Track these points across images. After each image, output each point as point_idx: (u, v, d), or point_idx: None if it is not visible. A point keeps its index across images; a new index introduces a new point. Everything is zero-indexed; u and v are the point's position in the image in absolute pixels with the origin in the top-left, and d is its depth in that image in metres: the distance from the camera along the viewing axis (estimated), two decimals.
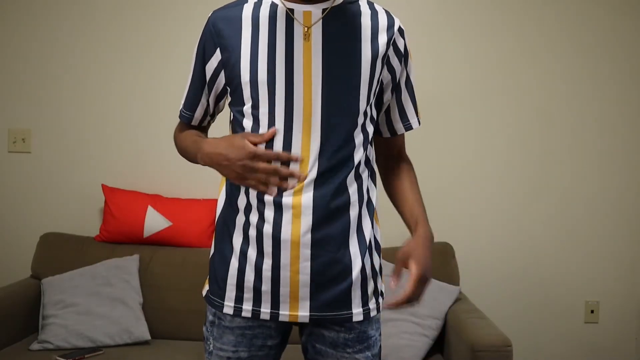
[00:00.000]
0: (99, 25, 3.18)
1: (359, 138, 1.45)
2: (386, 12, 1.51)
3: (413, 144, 3.15)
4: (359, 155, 1.45)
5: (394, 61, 1.50)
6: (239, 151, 1.40)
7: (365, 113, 1.46)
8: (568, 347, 3.21)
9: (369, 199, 1.50)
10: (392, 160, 1.62)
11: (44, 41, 3.19)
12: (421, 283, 1.40)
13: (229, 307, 1.45)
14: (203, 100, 1.55)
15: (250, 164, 1.39)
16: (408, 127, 1.58)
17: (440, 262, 2.94)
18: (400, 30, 1.50)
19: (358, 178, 1.46)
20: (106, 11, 3.18)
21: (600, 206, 3.20)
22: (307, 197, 1.39)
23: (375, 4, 1.52)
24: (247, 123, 1.44)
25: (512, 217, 3.20)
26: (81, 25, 3.18)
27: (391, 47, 1.49)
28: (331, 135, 1.41)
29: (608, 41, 3.16)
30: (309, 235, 1.40)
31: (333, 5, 1.44)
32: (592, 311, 3.21)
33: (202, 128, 1.63)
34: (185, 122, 1.61)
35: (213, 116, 1.62)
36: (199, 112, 1.58)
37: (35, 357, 2.52)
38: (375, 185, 1.54)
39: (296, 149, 1.40)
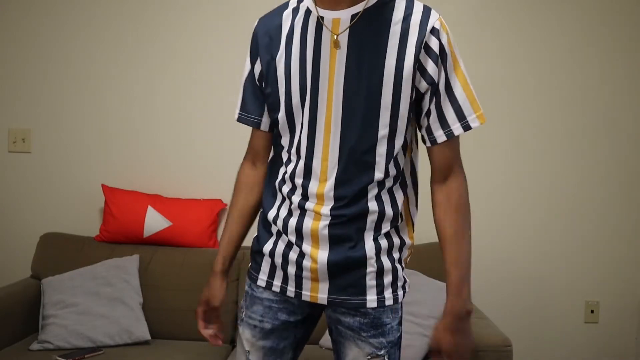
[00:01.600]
0: (99, 25, 3.18)
1: (380, 152, 1.47)
2: (424, 9, 1.46)
3: None
4: (380, 168, 1.48)
5: (429, 65, 1.44)
6: (202, 298, 1.71)
7: (387, 125, 1.46)
8: (568, 347, 3.22)
9: (393, 201, 1.53)
10: (437, 174, 1.54)
11: (44, 41, 3.19)
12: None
13: (262, 280, 1.62)
14: (263, 103, 1.61)
15: (200, 307, 1.71)
16: (450, 135, 1.49)
17: (441, 262, 2.91)
18: (434, 31, 1.43)
19: (381, 188, 1.51)
20: (106, 11, 3.18)
21: (600, 206, 3.20)
22: (326, 207, 1.50)
23: (415, 1, 1.48)
24: (279, 126, 1.55)
25: (512, 217, 3.20)
26: (81, 26, 3.18)
27: (422, 51, 1.43)
28: (350, 145, 1.47)
29: (619, 41, 3.16)
30: (326, 232, 1.50)
31: (365, 7, 1.44)
32: (592, 311, 3.21)
33: (270, 136, 1.65)
34: (257, 127, 1.64)
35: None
36: (266, 116, 1.62)
37: (35, 357, 2.52)
38: (406, 194, 1.57)
39: (317, 158, 1.50)
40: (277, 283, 1.59)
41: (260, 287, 1.62)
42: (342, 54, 1.44)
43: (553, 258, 3.21)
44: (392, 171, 1.51)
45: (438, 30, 1.44)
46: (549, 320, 3.21)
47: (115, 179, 3.17)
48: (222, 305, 1.70)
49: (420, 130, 1.55)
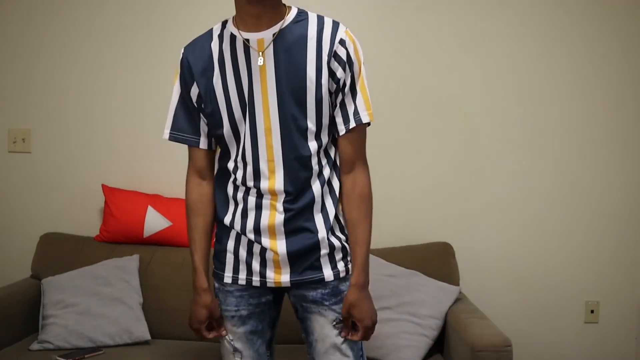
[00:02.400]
0: (100, 25, 3.18)
1: (313, 146, 1.70)
2: (332, 24, 1.69)
3: (413, 144, 3.16)
4: (315, 160, 1.71)
5: (338, 70, 1.68)
6: (189, 322, 1.84)
7: (314, 123, 1.69)
8: (568, 347, 3.22)
9: (331, 189, 1.77)
10: (344, 165, 1.76)
11: (44, 41, 3.19)
12: (368, 330, 1.75)
13: (228, 277, 1.80)
14: (202, 124, 1.78)
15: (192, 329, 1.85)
16: (347, 128, 1.72)
17: (440, 262, 2.94)
18: (342, 41, 1.67)
19: (320, 176, 1.73)
20: (107, 11, 3.18)
21: (600, 206, 3.20)
22: (280, 201, 1.71)
23: (325, 17, 1.71)
24: (224, 140, 1.73)
25: (512, 217, 3.20)
26: (82, 26, 3.18)
27: (332, 59, 1.67)
28: (289, 146, 1.69)
29: (612, 42, 3.16)
30: (282, 227, 1.72)
31: (282, 27, 1.67)
32: (592, 311, 3.21)
33: (211, 153, 1.82)
34: (195, 146, 1.80)
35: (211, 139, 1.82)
36: (203, 135, 1.79)
37: (35, 357, 2.52)
38: (338, 176, 1.78)
39: (263, 161, 1.70)
40: (242, 277, 1.78)
41: (227, 283, 1.80)
42: (270, 68, 1.66)
43: (553, 258, 3.21)
44: (325, 162, 1.74)
45: (345, 40, 1.69)
46: (549, 321, 3.21)
47: (115, 179, 3.17)
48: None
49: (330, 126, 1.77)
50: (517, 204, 3.19)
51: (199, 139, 1.79)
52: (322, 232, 1.74)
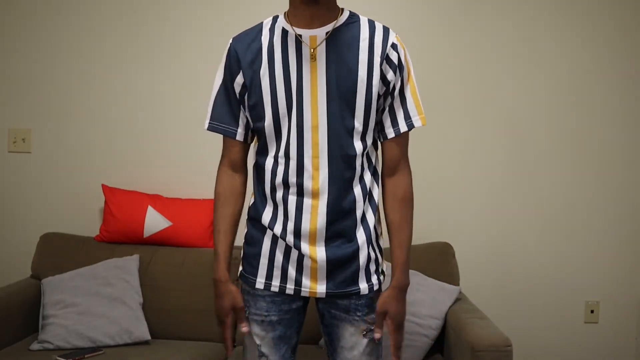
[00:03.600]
0: (100, 25, 3.18)
1: (359, 147, 1.70)
2: (383, 29, 1.72)
3: (413, 144, 3.16)
4: (359, 162, 1.71)
5: (389, 74, 1.70)
6: (216, 314, 1.82)
7: (361, 124, 1.70)
8: (568, 347, 3.22)
9: (371, 196, 1.77)
10: (387, 168, 1.78)
11: (44, 41, 3.19)
12: (398, 330, 1.76)
13: (260, 282, 1.77)
14: (242, 116, 1.78)
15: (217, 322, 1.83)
16: (397, 131, 1.74)
17: (440, 262, 2.94)
18: (394, 46, 1.70)
19: (361, 180, 1.73)
20: (107, 11, 3.18)
21: (600, 206, 3.20)
22: (322, 200, 1.69)
23: (375, 22, 1.73)
24: (265, 134, 1.72)
25: (512, 217, 3.20)
26: (82, 26, 3.18)
27: (384, 62, 1.69)
28: (335, 145, 1.68)
29: (612, 39, 3.17)
30: (324, 230, 1.70)
31: (335, 27, 1.68)
32: (592, 311, 3.21)
33: (246, 146, 1.82)
34: (232, 137, 1.79)
35: (253, 132, 1.80)
36: (241, 127, 1.79)
37: (35, 357, 2.52)
38: (378, 184, 1.79)
39: (308, 157, 1.68)
40: (275, 283, 1.75)
41: (259, 288, 1.77)
42: (321, 65, 1.67)
43: (553, 258, 3.21)
44: (366, 166, 1.75)
45: (397, 45, 1.72)
46: (549, 320, 3.21)
47: (115, 179, 3.17)
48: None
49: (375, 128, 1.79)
50: (517, 205, 3.19)
51: (237, 130, 1.78)
52: (361, 240, 1.73)
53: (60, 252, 2.95)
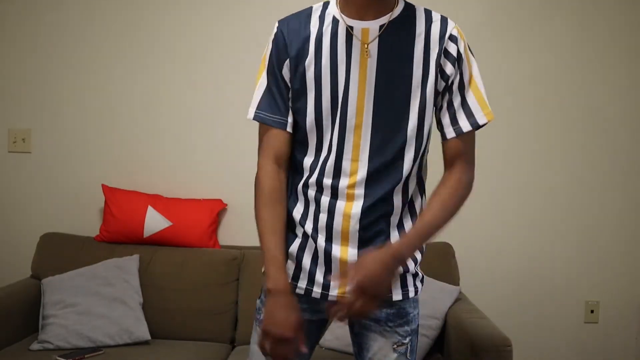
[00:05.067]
0: (99, 25, 3.18)
1: (409, 153, 1.57)
2: (441, 19, 1.58)
3: None
4: (407, 168, 1.57)
5: (447, 68, 1.56)
6: (276, 331, 1.53)
7: (414, 129, 1.56)
8: (568, 347, 3.22)
9: (412, 205, 1.63)
10: (447, 166, 1.64)
11: (44, 41, 3.19)
12: (361, 295, 1.50)
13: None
14: (290, 105, 1.61)
15: (274, 347, 1.55)
16: (458, 131, 1.58)
17: (440, 262, 2.94)
18: (452, 37, 1.55)
19: (405, 188, 1.59)
20: (106, 11, 3.18)
21: (600, 206, 3.20)
22: (357, 205, 1.56)
23: (432, 12, 1.59)
24: (305, 129, 1.59)
25: (512, 217, 3.20)
26: (82, 26, 3.18)
27: (442, 56, 1.55)
28: (379, 149, 1.55)
29: (614, 40, 3.17)
30: (357, 234, 1.56)
31: (390, 19, 1.54)
32: (592, 311, 3.21)
33: (291, 138, 1.64)
34: (282, 128, 1.60)
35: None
36: (291, 117, 1.61)
37: (35, 357, 2.52)
38: (421, 193, 1.66)
39: (347, 159, 1.55)
40: (301, 285, 1.62)
41: None
42: (372, 62, 1.53)
43: (553, 258, 3.21)
44: (415, 173, 1.60)
45: (456, 37, 1.56)
46: (549, 320, 3.21)
47: (115, 179, 3.17)
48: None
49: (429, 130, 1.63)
50: (517, 205, 3.19)
51: (287, 121, 1.60)
52: (395, 241, 1.58)
53: (60, 252, 2.95)
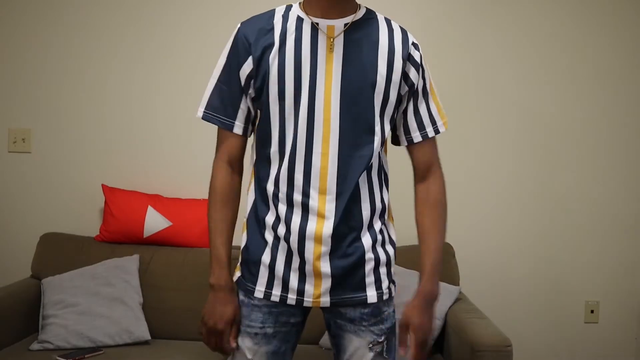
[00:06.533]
0: (99, 25, 3.18)
1: (371, 146, 1.59)
2: (401, 28, 1.65)
3: None
4: (370, 162, 1.60)
5: (411, 72, 1.62)
6: (210, 322, 1.65)
7: (378, 123, 1.60)
8: (568, 347, 3.22)
9: (382, 200, 1.66)
10: (417, 173, 1.70)
11: (43, 41, 3.19)
12: (422, 347, 1.61)
13: (259, 291, 1.63)
14: (243, 107, 1.63)
15: (208, 336, 1.67)
16: (424, 135, 1.68)
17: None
18: (415, 45, 1.63)
19: (370, 182, 1.62)
20: (106, 11, 3.18)
21: (600, 206, 3.20)
22: (330, 201, 1.57)
23: (392, 21, 1.66)
24: (268, 123, 1.60)
25: (513, 217, 3.20)
26: (81, 26, 3.18)
27: (408, 62, 1.61)
28: (346, 141, 1.57)
29: (616, 42, 3.17)
30: (330, 234, 1.57)
31: (354, 20, 1.59)
32: (592, 311, 3.21)
33: (244, 141, 1.68)
34: (229, 129, 1.64)
35: (253, 125, 1.67)
36: (240, 119, 1.64)
37: (35, 357, 2.52)
38: (387, 188, 1.69)
39: (317, 152, 1.56)
40: (276, 293, 1.62)
41: (257, 297, 1.64)
42: (338, 57, 1.56)
43: (553, 258, 3.21)
44: (376, 166, 1.63)
45: (417, 45, 1.65)
46: (549, 320, 3.21)
47: (115, 179, 3.17)
48: None
49: (396, 131, 1.70)
50: (517, 205, 3.19)
51: (234, 123, 1.63)
52: (367, 245, 1.61)
53: (60, 252, 2.95)
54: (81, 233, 3.13)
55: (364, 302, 1.63)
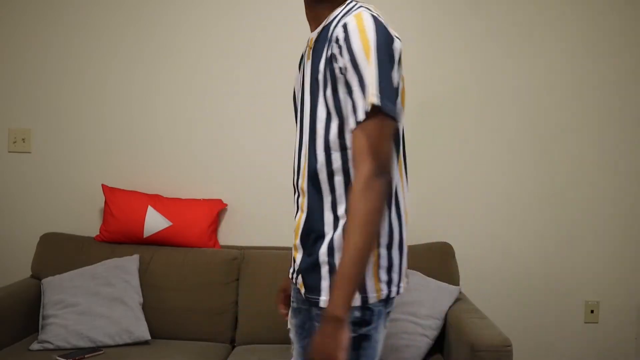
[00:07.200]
0: (99, 25, 3.18)
1: (325, 145, 1.54)
2: (346, 13, 1.54)
3: (412, 145, 3.16)
4: (330, 159, 1.54)
5: (337, 56, 1.49)
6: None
7: (325, 120, 1.54)
8: (568, 347, 3.22)
9: (340, 199, 1.54)
10: (353, 162, 1.51)
11: (43, 41, 3.19)
12: None
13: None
14: None
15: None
16: (356, 120, 1.46)
17: (440, 262, 2.94)
18: (344, 25, 1.48)
19: (329, 180, 1.54)
20: (106, 11, 3.18)
21: (600, 206, 3.20)
22: (305, 199, 1.66)
23: (351, 11, 1.53)
24: None
25: (512, 217, 3.20)
26: (81, 26, 3.18)
27: (333, 43, 1.50)
28: (309, 140, 1.59)
29: (612, 42, 3.16)
30: (302, 225, 1.65)
31: (324, 25, 1.62)
32: (592, 311, 3.21)
33: None
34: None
35: None
36: None
37: (35, 357, 2.52)
38: (348, 186, 1.53)
39: (296, 155, 1.68)
40: (291, 270, 1.72)
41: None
42: (307, 65, 1.65)
43: (553, 258, 3.21)
44: (339, 165, 1.53)
45: (348, 24, 1.48)
46: (549, 320, 3.21)
47: (115, 179, 3.17)
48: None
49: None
50: (517, 205, 3.19)
51: None
52: (323, 252, 1.53)
53: (60, 252, 2.95)
54: (81, 233, 3.13)
55: (317, 304, 1.65)
